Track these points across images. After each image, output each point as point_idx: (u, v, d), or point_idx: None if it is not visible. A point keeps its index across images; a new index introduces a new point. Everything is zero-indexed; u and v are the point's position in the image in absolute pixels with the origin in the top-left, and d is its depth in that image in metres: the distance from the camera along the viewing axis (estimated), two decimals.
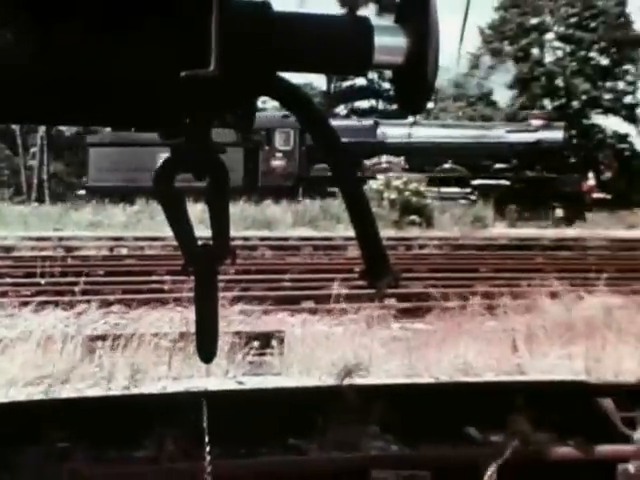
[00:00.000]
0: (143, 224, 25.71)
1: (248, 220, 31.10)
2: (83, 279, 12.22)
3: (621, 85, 72.53)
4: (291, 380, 6.51)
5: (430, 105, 57.03)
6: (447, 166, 42.56)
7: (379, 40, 3.69)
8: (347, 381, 6.34)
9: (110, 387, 6.43)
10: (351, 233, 3.95)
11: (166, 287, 11.50)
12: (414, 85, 3.86)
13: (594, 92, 70.46)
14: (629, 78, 72.23)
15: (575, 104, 70.44)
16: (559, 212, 40.29)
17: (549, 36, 71.17)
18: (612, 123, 72.85)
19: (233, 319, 9.46)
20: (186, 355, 6.76)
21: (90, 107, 3.45)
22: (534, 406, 5.33)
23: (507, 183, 41.48)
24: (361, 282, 4.20)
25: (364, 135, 43.28)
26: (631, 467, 4.21)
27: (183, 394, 5.58)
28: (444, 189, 41.21)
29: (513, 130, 44.24)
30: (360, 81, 65.04)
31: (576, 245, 24.25)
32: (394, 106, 48.03)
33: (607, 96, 71.85)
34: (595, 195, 42.57)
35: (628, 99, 72.29)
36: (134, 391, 6.09)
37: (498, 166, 42.73)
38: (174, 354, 7.00)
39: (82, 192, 45.02)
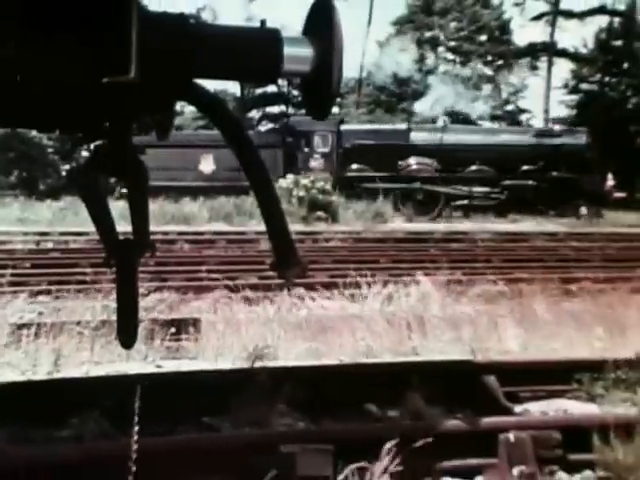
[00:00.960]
0: (68, 220, 25.37)
1: (167, 216, 30.97)
2: (10, 271, 12.08)
3: (504, 94, 74.09)
4: (206, 363, 6.47)
5: (335, 110, 57.21)
6: (474, 168, 42.24)
7: (288, 51, 3.70)
8: (257, 364, 6.33)
9: (35, 372, 6.34)
10: (263, 228, 3.95)
11: (89, 279, 11.36)
12: (320, 92, 3.88)
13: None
14: (511, 88, 73.94)
15: (464, 110, 71.62)
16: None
17: (441, 49, 72.04)
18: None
19: (152, 307, 9.41)
20: (107, 341, 6.70)
21: (20, 110, 3.41)
22: (427, 384, 5.38)
23: (534, 183, 41.18)
24: (272, 272, 4.20)
25: (398, 138, 43.68)
26: (511, 436, 4.28)
27: (105, 378, 5.51)
28: (475, 189, 41.09)
29: (538, 134, 44.13)
30: (271, 88, 64.97)
31: (465, 238, 24.48)
32: (302, 111, 48.02)
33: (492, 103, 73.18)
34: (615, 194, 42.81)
35: (510, 107, 73.96)
36: (58, 376, 5.99)
37: (525, 168, 42.39)
38: (96, 340, 6.93)
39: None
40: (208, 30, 3.95)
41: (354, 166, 42.03)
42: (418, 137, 43.55)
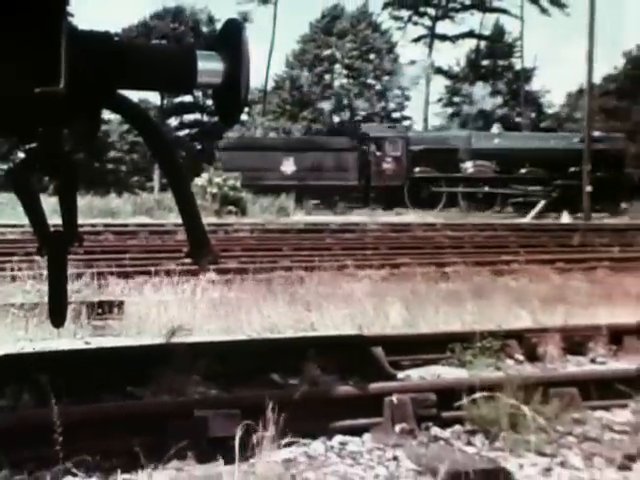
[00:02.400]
0: (6, 213, 24.90)
1: (94, 210, 30.62)
2: None
3: (391, 105, 74.86)
4: (129, 340, 6.41)
5: (244, 117, 57.04)
6: (524, 170, 43.10)
7: (201, 65, 3.69)
8: (175, 339, 6.29)
9: None
10: (180, 221, 3.93)
11: (24, 266, 11.14)
12: (230, 101, 3.87)
13: (370, 110, 72.46)
14: (397, 100, 74.72)
15: (357, 118, 72.21)
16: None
17: (337, 65, 72.33)
18: None
19: (81, 290, 9.29)
20: (40, 321, 6.59)
21: None
22: (323, 355, 5.40)
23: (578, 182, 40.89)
24: (188, 259, 4.16)
25: (462, 143, 44.28)
26: (394, 399, 4.32)
27: (38, 353, 5.43)
28: (530, 187, 42.29)
29: (583, 140, 42.65)
30: (188, 98, 64.52)
31: (357, 228, 24.62)
32: (216, 118, 47.91)
33: (381, 113, 73.83)
34: None
35: (396, 115, 74.70)
36: None
37: (572, 169, 42.79)
38: (30, 321, 6.82)
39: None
40: (131, 47, 3.92)
41: (418, 168, 42.76)
42: (478, 142, 44.24)
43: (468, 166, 43.65)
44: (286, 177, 42.76)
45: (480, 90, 68.28)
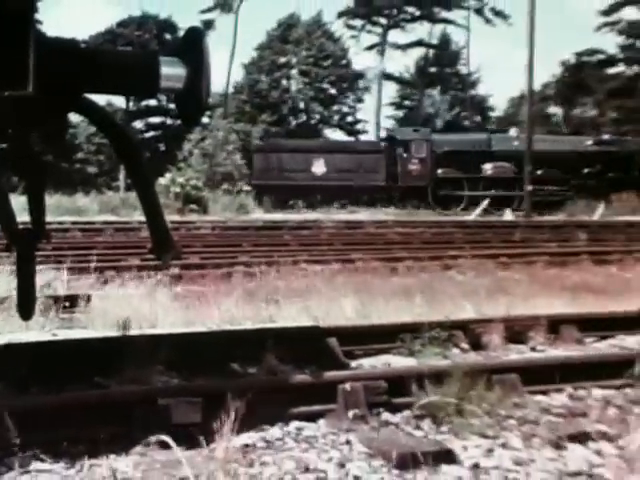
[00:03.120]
0: None
1: (62, 208, 30.40)
2: None
3: (345, 108, 75.19)
4: (95, 332, 6.36)
5: (206, 120, 56.80)
6: (539, 172, 42.50)
7: (165, 71, 3.68)
8: (140, 331, 6.26)
9: None
10: (144, 218, 3.90)
11: None
12: (191, 105, 3.86)
13: (326, 113, 72.86)
14: (350, 103, 75.03)
15: (312, 122, 72.53)
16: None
17: (294, 71, 72.38)
18: (338, 136, 75.69)
19: (48, 285, 9.20)
20: (9, 314, 6.52)
21: None
22: (280, 346, 5.40)
23: (593, 182, 42.86)
24: (151, 255, 4.15)
25: (481, 145, 44.78)
26: (347, 386, 4.33)
27: (6, 345, 5.37)
28: (547, 187, 42.35)
29: (596, 143, 45.54)
30: (152, 101, 64.09)
31: (313, 225, 24.63)
32: (179, 121, 47.67)
33: (335, 116, 74.18)
34: None
35: (349, 118, 75.09)
36: None
37: (586, 170, 43.89)
38: None
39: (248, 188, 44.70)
40: (97, 52, 3.90)
41: (441, 169, 43.36)
42: (498, 144, 44.85)
43: (487, 167, 44.16)
44: (317, 178, 43.25)
45: (429, 95, 68.83)
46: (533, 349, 6.48)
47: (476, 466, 3.67)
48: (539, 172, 42.28)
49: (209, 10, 74.51)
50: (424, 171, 43.48)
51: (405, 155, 43.83)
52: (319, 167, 43.68)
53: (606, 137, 46.87)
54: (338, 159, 43.53)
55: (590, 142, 45.52)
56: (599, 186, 42.11)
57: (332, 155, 44.15)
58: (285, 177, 41.66)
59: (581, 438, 4.04)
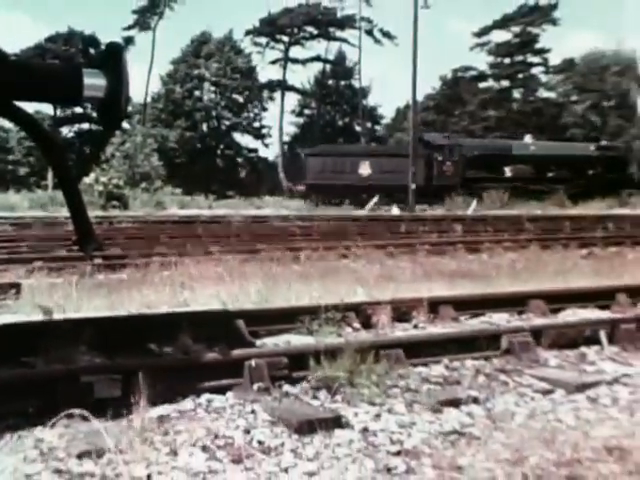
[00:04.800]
0: None
1: None
2: None
3: (252, 115, 75.44)
4: (24, 317, 6.20)
5: (126, 126, 56.02)
6: (550, 174, 45.51)
7: (87, 81, 3.62)
8: (65, 315, 6.13)
9: None
10: (69, 214, 3.83)
11: None
12: (112, 112, 3.81)
13: (235, 119, 72.85)
14: (256, 111, 75.44)
15: (223, 127, 72.48)
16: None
17: (206, 82, 72.23)
18: (246, 140, 76.03)
19: None
20: None
21: None
22: (194, 327, 5.36)
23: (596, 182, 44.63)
24: (76, 247, 4.06)
25: (503, 149, 46.57)
26: (253, 362, 4.33)
27: None
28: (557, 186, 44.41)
29: (598, 148, 47.60)
30: (78, 109, 62.83)
31: (223, 220, 24.51)
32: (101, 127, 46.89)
33: (244, 122, 74.26)
34: None
35: (256, 124, 75.40)
36: None
37: (591, 172, 46.00)
38: None
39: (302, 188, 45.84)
40: (26, 64, 3.82)
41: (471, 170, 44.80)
42: (517, 149, 46.63)
43: (508, 169, 45.82)
44: (363, 179, 44.30)
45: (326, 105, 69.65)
46: (416, 327, 6.57)
47: (365, 430, 3.71)
48: (550, 174, 45.69)
49: (129, 28, 74.19)
50: (456, 172, 44.84)
51: (440, 158, 45.19)
52: (365, 169, 44.91)
53: (603, 143, 49.53)
54: (381, 162, 44.92)
55: (593, 147, 47.87)
56: (601, 185, 44.25)
57: (376, 158, 45.69)
58: (336, 178, 42.38)
59: (455, 403, 4.13)
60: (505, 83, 78.49)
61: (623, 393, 4.52)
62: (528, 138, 50.40)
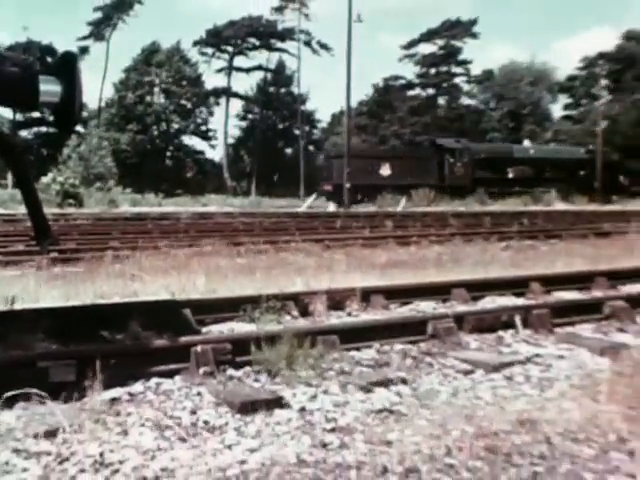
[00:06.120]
0: None
1: None
2: None
3: (199, 120, 75.38)
4: None
5: (81, 129, 55.08)
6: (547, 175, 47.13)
7: (43, 87, 3.56)
8: (24, 305, 6.01)
9: None
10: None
11: None
12: (66, 116, 3.75)
13: (183, 123, 72.46)
14: (203, 115, 75.15)
15: (172, 131, 72.07)
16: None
17: (156, 89, 71.87)
18: (195, 142, 75.67)
19: None
20: None
21: None
22: (144, 316, 5.30)
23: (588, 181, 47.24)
24: (33, 242, 3.99)
25: (506, 152, 47.93)
26: (199, 348, 4.31)
27: None
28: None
29: (588, 152, 49.59)
30: (36, 113, 61.48)
31: (172, 216, 24.29)
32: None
33: (191, 126, 73.97)
34: None
35: (203, 128, 75.28)
36: None
37: (582, 172, 48.26)
38: None
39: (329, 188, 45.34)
40: None
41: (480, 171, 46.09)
42: (518, 152, 48.29)
43: (510, 170, 47.17)
44: (383, 178, 44.76)
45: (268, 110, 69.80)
46: (349, 314, 6.59)
47: (303, 409, 3.72)
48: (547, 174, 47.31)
49: (85, 38, 73.42)
50: (466, 173, 45.85)
51: (451, 160, 46.06)
52: (385, 170, 45.53)
53: (591, 147, 51.02)
54: (400, 163, 45.64)
55: (583, 151, 50.15)
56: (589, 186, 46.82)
57: (395, 160, 46.44)
58: (360, 178, 42.38)
59: (385, 383, 4.16)
60: (431, 91, 79.56)
61: (535, 371, 4.61)
62: (527, 142, 52.31)
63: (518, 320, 5.92)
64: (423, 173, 44.62)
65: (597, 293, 8.03)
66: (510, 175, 47.36)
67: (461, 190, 43.73)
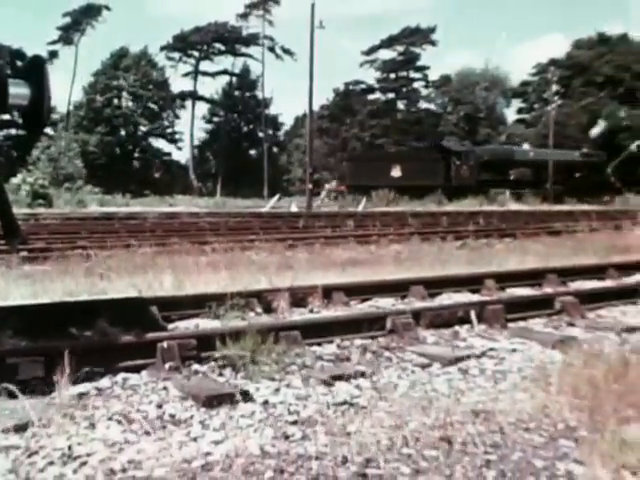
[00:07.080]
0: None
1: None
2: None
3: (166, 122, 75.17)
4: None
5: (50, 132, 54.37)
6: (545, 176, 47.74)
7: (12, 90, 3.52)
8: None
9: None
10: None
11: None
12: (34, 118, 3.71)
13: (150, 126, 72.08)
14: (170, 118, 75.20)
15: (139, 133, 71.84)
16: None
17: (124, 92, 71.47)
18: (161, 144, 75.30)
19: None
20: None
21: None
22: (111, 313, 5.24)
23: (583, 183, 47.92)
24: (3, 241, 3.94)
25: (508, 155, 48.66)
26: (165, 344, 4.28)
27: None
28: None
29: (582, 154, 50.49)
30: (6, 116, 60.53)
31: (139, 216, 24.09)
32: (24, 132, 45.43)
33: (158, 128, 73.68)
34: None
35: (169, 130, 75.11)
36: None
37: (577, 174, 49.12)
38: None
39: (343, 188, 46.35)
40: None
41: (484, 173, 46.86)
42: (519, 155, 49.22)
43: (511, 172, 47.98)
44: (394, 179, 45.53)
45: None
46: (311, 311, 6.60)
47: (266, 402, 3.72)
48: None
49: (54, 42, 72.62)
50: (471, 174, 46.32)
51: (458, 162, 46.51)
52: (396, 172, 46.42)
53: (584, 150, 52.13)
54: (410, 165, 46.38)
55: (577, 154, 50.92)
56: (585, 187, 47.37)
57: (405, 162, 47.23)
58: (372, 179, 43.19)
59: (345, 377, 4.17)
60: (391, 95, 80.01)
61: (489, 365, 4.66)
62: (526, 146, 53.14)
63: (473, 315, 5.97)
64: (431, 174, 45.28)
65: (548, 289, 8.13)
66: (512, 177, 48.25)
67: (467, 191, 44.23)
